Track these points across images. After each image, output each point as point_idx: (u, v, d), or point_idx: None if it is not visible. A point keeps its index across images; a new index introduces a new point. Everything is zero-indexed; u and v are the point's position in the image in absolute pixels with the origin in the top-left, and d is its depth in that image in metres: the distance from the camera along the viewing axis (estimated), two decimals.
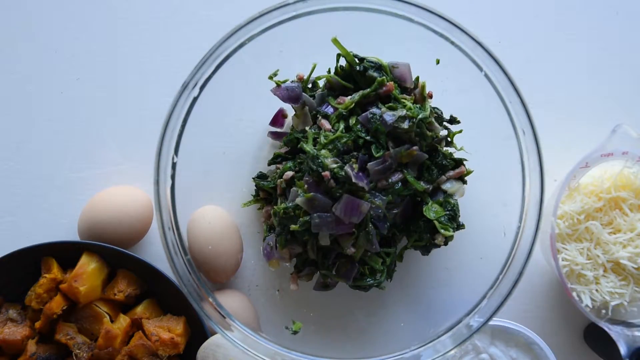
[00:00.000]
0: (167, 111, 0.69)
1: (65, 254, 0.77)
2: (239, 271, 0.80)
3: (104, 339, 0.73)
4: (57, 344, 0.75)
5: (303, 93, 0.75)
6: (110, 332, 0.73)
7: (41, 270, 0.76)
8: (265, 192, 0.78)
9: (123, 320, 0.75)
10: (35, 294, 0.75)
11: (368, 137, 0.71)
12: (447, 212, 0.73)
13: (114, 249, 0.76)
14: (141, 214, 0.79)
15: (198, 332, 0.76)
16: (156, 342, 0.73)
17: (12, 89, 0.86)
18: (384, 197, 0.70)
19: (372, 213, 0.70)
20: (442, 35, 0.70)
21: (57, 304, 0.74)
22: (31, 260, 0.77)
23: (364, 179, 0.69)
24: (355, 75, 0.74)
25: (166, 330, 0.75)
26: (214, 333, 0.74)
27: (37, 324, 0.75)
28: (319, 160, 0.69)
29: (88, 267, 0.75)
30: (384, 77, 0.72)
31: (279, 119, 0.82)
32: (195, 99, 0.70)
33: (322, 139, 0.70)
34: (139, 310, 0.77)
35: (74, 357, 0.73)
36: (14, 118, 0.86)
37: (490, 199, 0.77)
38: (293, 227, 0.70)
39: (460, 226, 0.74)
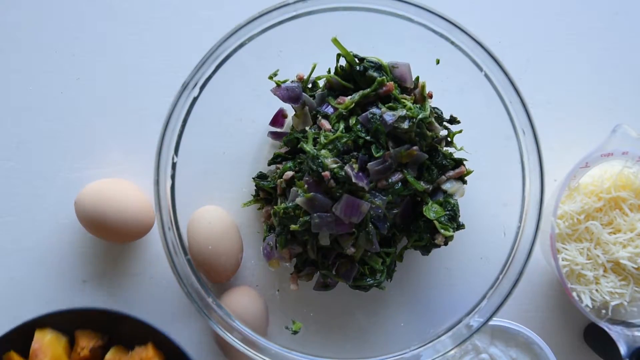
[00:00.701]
0: (167, 111, 0.69)
1: (25, 337, 0.75)
2: (239, 271, 0.80)
3: None
4: None
5: (303, 93, 0.75)
6: None
7: None
8: (265, 192, 0.78)
9: None
10: None
11: (368, 137, 0.71)
12: (447, 212, 0.73)
13: (63, 313, 0.75)
14: (143, 208, 0.79)
15: (172, 353, 0.76)
16: None
17: (12, 89, 0.86)
18: (384, 197, 0.70)
19: (372, 213, 0.70)
20: (442, 35, 0.70)
21: None
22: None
23: (364, 179, 0.69)
24: (355, 75, 0.74)
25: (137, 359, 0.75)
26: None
27: None
28: (319, 160, 0.69)
29: (43, 340, 0.75)
30: (384, 77, 0.72)
31: (279, 119, 0.82)
32: (195, 99, 0.70)
33: (322, 139, 0.70)
34: (108, 357, 0.77)
35: None
36: (14, 118, 0.86)
37: (490, 199, 0.77)
38: (293, 227, 0.70)
39: (460, 226, 0.74)
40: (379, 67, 0.73)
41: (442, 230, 0.72)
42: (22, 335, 0.76)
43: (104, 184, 0.79)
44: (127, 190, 0.79)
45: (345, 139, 0.70)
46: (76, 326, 0.78)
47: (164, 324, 0.82)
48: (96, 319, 0.77)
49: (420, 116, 0.70)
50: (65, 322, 0.77)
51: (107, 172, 0.85)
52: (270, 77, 0.75)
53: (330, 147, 0.70)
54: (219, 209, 0.78)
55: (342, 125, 0.72)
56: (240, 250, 0.78)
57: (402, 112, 0.70)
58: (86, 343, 0.76)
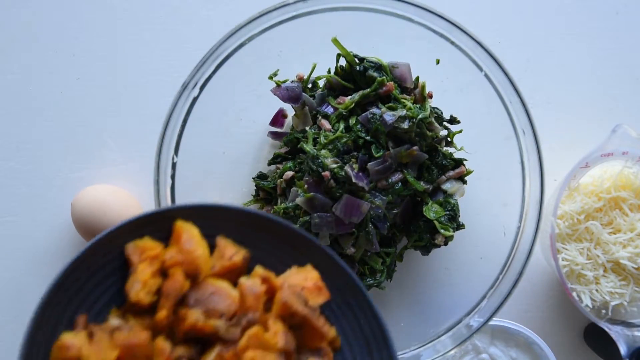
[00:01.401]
0: (167, 111, 0.69)
1: (157, 228, 0.57)
2: None
3: (247, 299, 0.55)
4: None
5: (303, 93, 0.75)
6: (251, 287, 0.55)
7: (129, 259, 0.55)
8: (265, 192, 0.78)
9: (251, 281, 0.56)
10: (140, 283, 0.53)
11: (368, 137, 0.71)
12: (447, 212, 0.73)
13: (206, 208, 0.57)
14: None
15: (337, 276, 0.59)
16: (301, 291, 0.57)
17: (12, 89, 0.86)
18: (384, 197, 0.70)
19: (372, 213, 0.70)
20: (442, 35, 0.70)
21: (177, 279, 0.53)
22: (100, 261, 0.56)
23: (364, 179, 0.69)
24: (355, 75, 0.74)
25: (303, 279, 0.58)
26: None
27: (163, 314, 0.53)
28: (319, 160, 0.69)
29: (191, 230, 0.56)
30: (384, 77, 0.72)
31: (279, 119, 0.82)
32: (195, 99, 0.70)
33: (322, 139, 0.70)
34: (260, 271, 0.58)
35: (220, 343, 0.54)
36: (14, 118, 0.86)
37: (490, 199, 0.76)
38: None
39: (460, 226, 0.74)
40: (379, 67, 0.73)
41: (442, 230, 0.72)
42: (156, 223, 0.56)
43: (97, 195, 0.78)
44: (119, 202, 0.78)
45: (345, 139, 0.70)
46: (215, 230, 0.59)
47: None
48: (237, 223, 0.59)
49: (420, 116, 0.70)
50: (207, 220, 0.58)
51: (107, 172, 0.85)
52: (270, 77, 0.75)
53: (330, 147, 0.70)
54: None
55: (342, 125, 0.72)
56: None
57: (402, 112, 0.70)
58: (235, 251, 0.58)
